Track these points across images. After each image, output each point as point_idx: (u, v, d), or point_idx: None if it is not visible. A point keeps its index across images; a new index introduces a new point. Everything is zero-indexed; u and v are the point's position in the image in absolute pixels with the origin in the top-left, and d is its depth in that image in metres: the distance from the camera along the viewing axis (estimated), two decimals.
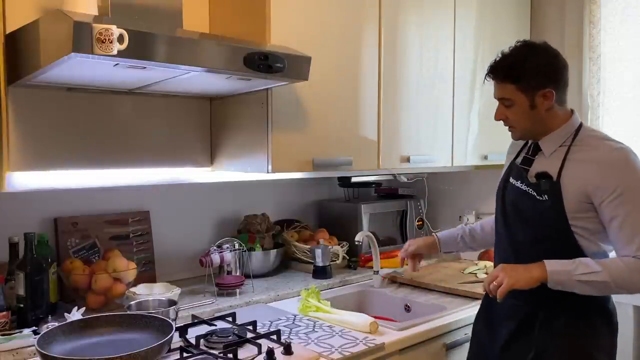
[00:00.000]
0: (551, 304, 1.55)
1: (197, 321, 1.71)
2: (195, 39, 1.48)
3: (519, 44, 1.57)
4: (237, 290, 2.02)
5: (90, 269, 1.78)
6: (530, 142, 1.66)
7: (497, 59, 1.57)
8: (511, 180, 1.65)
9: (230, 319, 1.72)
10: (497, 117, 1.62)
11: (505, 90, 1.55)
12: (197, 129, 2.14)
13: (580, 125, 1.58)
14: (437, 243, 1.97)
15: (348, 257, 2.48)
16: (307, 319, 1.82)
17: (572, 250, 1.50)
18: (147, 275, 2.06)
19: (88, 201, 1.99)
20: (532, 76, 1.51)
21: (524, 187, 1.59)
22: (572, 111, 1.60)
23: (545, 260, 1.47)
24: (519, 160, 1.66)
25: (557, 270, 1.44)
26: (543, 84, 1.51)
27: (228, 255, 2.09)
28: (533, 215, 1.55)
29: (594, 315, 1.55)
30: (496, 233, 1.72)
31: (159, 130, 2.05)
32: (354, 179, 2.69)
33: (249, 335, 1.59)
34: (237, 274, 2.13)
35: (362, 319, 1.73)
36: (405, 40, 2.26)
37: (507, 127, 1.64)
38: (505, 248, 1.65)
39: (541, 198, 1.53)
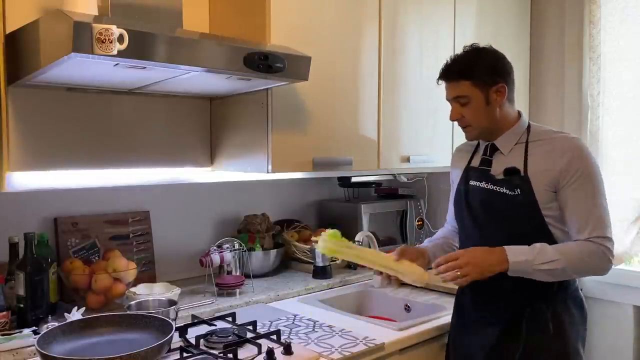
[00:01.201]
0: (536, 302, 1.57)
1: (197, 321, 1.70)
2: (195, 39, 1.48)
3: (467, 48, 1.63)
4: (237, 290, 2.02)
5: (90, 269, 1.78)
6: (480, 144, 1.71)
7: (449, 62, 1.63)
8: (472, 183, 1.66)
9: (230, 319, 1.72)
10: (453, 117, 1.65)
11: (460, 88, 1.59)
12: (197, 129, 2.14)
13: (529, 123, 1.66)
14: (426, 251, 1.78)
15: None
16: (307, 319, 1.82)
17: (547, 241, 1.54)
18: (147, 275, 2.05)
19: (88, 201, 1.99)
20: (485, 73, 1.58)
21: (490, 187, 1.61)
22: (519, 111, 1.67)
23: (506, 248, 1.50)
24: (476, 162, 1.69)
25: (518, 262, 1.48)
26: (496, 80, 1.58)
27: (228, 255, 2.09)
28: (507, 213, 1.57)
29: (571, 305, 1.61)
30: (465, 239, 1.72)
31: (159, 130, 2.05)
32: (354, 179, 2.69)
33: (249, 335, 1.59)
34: (237, 274, 2.13)
35: (416, 269, 1.62)
36: (405, 40, 2.26)
37: (462, 128, 1.66)
38: None
39: (514, 193, 1.55)
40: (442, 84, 1.65)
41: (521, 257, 1.48)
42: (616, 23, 2.46)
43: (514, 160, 1.60)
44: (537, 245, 1.51)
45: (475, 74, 1.57)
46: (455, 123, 2.48)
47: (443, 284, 2.20)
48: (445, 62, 1.64)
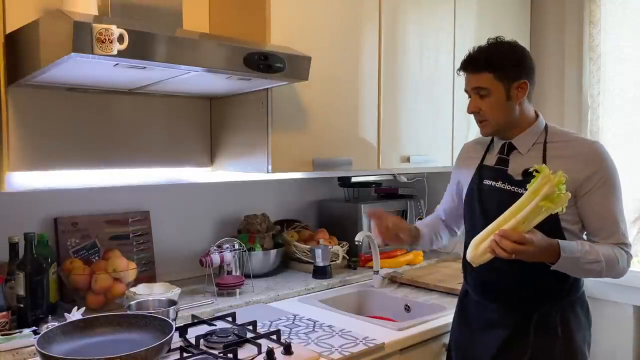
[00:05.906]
0: (545, 306, 1.56)
1: (197, 321, 1.71)
2: (195, 39, 1.48)
3: (492, 40, 1.60)
4: (237, 290, 2.02)
5: (90, 269, 1.78)
6: (494, 142, 1.68)
7: (473, 52, 1.59)
8: (486, 182, 1.63)
9: (230, 319, 1.73)
10: (471, 109, 1.61)
11: (482, 80, 1.56)
12: (197, 129, 2.14)
13: (546, 124, 1.64)
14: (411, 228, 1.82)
15: (348, 257, 2.48)
16: (307, 319, 1.82)
17: None
18: (147, 275, 2.05)
19: (88, 201, 1.99)
20: (510, 66, 1.55)
21: (508, 187, 1.57)
22: (536, 111, 1.65)
23: (560, 242, 1.44)
24: (492, 161, 1.66)
25: (568, 257, 1.43)
26: (519, 75, 1.55)
27: (228, 255, 2.09)
28: None
29: (578, 309, 1.60)
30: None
31: (159, 130, 2.05)
32: (354, 179, 2.69)
33: (249, 335, 1.59)
34: (237, 274, 2.12)
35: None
36: (405, 40, 2.26)
37: (477, 123, 1.63)
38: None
39: None
40: (462, 74, 1.61)
41: (572, 254, 1.44)
42: (616, 23, 2.46)
43: (533, 161, 1.55)
44: (585, 243, 1.49)
45: (500, 66, 1.53)
46: (455, 123, 2.47)
47: (443, 284, 2.20)
48: (467, 52, 1.60)
